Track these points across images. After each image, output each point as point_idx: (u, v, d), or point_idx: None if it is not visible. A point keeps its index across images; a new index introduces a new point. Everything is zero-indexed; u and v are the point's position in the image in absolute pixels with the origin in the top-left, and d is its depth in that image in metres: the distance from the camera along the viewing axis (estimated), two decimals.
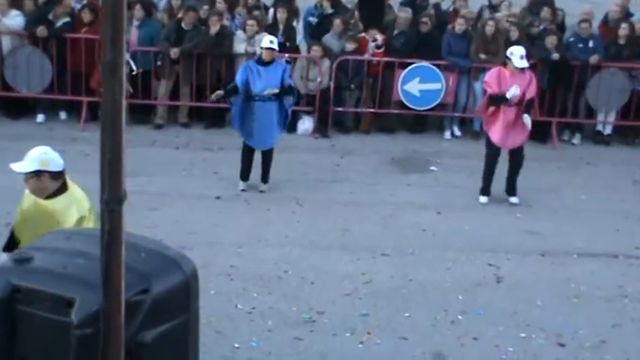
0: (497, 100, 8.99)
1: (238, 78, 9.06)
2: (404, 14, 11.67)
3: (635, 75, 11.65)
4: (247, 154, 9.30)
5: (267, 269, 7.49)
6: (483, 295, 7.29)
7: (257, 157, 9.36)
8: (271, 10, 11.94)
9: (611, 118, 11.87)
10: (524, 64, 8.99)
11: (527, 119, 9.07)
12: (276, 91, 8.97)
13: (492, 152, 9.25)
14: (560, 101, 11.68)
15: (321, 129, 11.35)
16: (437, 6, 12.65)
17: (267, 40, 9.16)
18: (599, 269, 7.92)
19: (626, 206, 9.52)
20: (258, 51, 9.64)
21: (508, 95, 8.88)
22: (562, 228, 8.84)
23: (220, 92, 9.43)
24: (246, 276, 7.34)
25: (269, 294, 7.07)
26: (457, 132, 11.74)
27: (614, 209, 9.42)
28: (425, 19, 11.59)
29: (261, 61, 9.08)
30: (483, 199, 9.38)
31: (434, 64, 11.34)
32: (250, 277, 7.34)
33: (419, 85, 11.32)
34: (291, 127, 11.24)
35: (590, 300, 7.31)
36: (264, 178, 9.34)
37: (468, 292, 7.33)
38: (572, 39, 11.76)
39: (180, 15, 11.29)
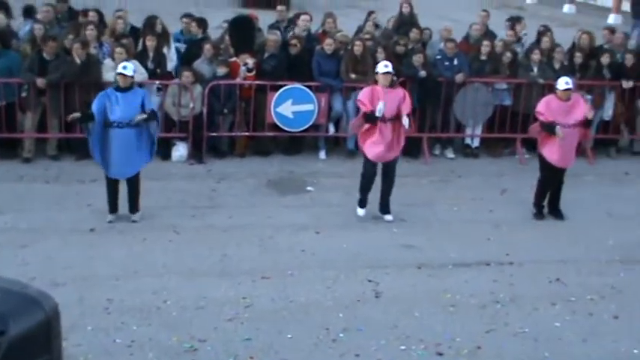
0: (371, 118, 9.17)
1: (94, 106, 8.82)
2: (273, 37, 11.77)
3: (496, 89, 12.16)
4: (111, 184, 9.09)
5: (145, 300, 7.34)
6: (364, 311, 7.39)
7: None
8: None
9: (478, 131, 12.34)
10: (388, 72, 9.15)
11: (405, 121, 9.23)
12: (144, 116, 8.83)
13: (369, 166, 9.40)
14: (430, 117, 12.04)
15: (196, 155, 11.26)
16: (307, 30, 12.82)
17: (121, 66, 9.01)
18: (473, 278, 8.18)
19: (496, 215, 9.90)
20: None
21: (377, 113, 9.08)
22: (437, 240, 9.08)
23: (77, 114, 9.20)
24: (123, 309, 7.16)
25: (148, 325, 6.92)
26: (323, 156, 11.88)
27: (485, 219, 9.78)
28: (294, 41, 11.72)
29: (119, 88, 8.91)
30: (360, 211, 9.52)
31: (305, 86, 11.47)
32: (128, 309, 7.16)
33: (292, 106, 11.42)
34: (165, 154, 11.14)
35: (466, 308, 7.54)
36: (132, 207, 9.16)
37: (349, 309, 7.41)
38: (438, 57, 12.15)
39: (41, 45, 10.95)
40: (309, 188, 10.53)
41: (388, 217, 9.55)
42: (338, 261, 8.39)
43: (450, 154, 12.20)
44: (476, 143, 12.41)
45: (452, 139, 12.41)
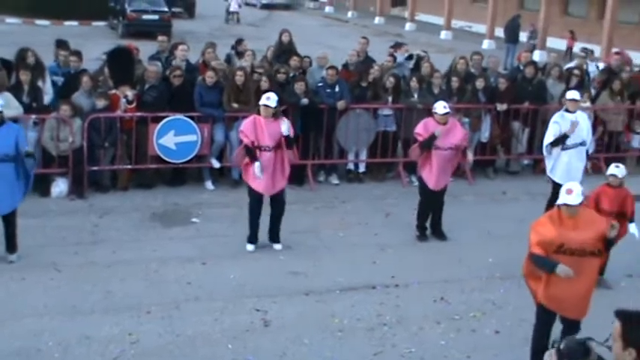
0: (250, 152, 9.22)
1: None
2: (153, 68, 11.70)
3: (378, 115, 12.47)
4: None
5: (25, 343, 7.10)
6: (252, 341, 7.40)
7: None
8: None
9: (362, 156, 12.60)
10: (267, 105, 9.18)
11: (289, 154, 9.33)
12: (30, 150, 8.64)
13: (255, 199, 9.46)
14: (314, 144, 12.22)
15: (77, 190, 11.02)
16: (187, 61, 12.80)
17: None
18: (360, 301, 8.33)
19: (381, 239, 10.12)
20: None
21: (257, 171, 9.11)
22: (323, 266, 9.21)
23: None
24: (2, 354, 6.91)
25: None
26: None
27: (370, 242, 9.98)
28: (177, 73, 11.68)
29: None
30: (250, 247, 9.54)
31: (187, 116, 11.44)
32: (7, 354, 6.91)
33: (174, 138, 11.35)
34: (44, 190, 10.86)
35: (353, 332, 7.67)
36: (9, 247, 8.85)
37: (237, 339, 7.41)
38: (320, 84, 12.37)
39: None
40: (194, 219, 10.48)
41: (277, 246, 9.61)
42: (225, 291, 8.38)
43: (334, 180, 12.41)
44: (360, 168, 12.66)
45: (336, 165, 12.62)
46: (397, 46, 14.51)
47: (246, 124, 9.39)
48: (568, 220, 6.52)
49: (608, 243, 6.64)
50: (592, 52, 16.65)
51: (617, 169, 8.78)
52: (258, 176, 9.18)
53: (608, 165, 9.63)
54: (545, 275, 6.63)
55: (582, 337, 3.99)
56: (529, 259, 6.70)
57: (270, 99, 9.28)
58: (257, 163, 9.16)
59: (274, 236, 9.65)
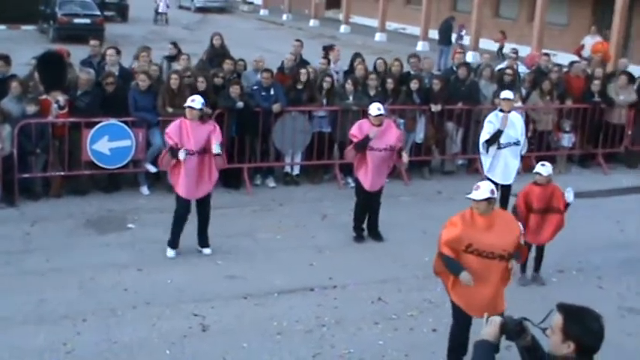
0: (174, 153, 9.09)
1: None
2: (85, 76, 11.48)
3: (315, 117, 12.53)
4: None
5: None
6: (191, 346, 7.36)
7: None
8: None
9: (298, 159, 12.63)
10: (191, 107, 9.07)
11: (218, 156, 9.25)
12: None
13: (181, 205, 9.35)
14: (249, 147, 12.20)
15: (7, 198, 10.78)
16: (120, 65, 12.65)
17: None
18: (298, 304, 8.36)
19: (318, 241, 10.17)
20: None
21: (181, 156, 9.00)
22: (261, 269, 9.20)
23: None
24: None
25: None
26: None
27: (307, 245, 10.02)
28: (109, 80, 11.52)
29: None
30: (170, 252, 9.39)
31: (121, 121, 11.31)
32: None
33: (108, 143, 11.21)
34: None
35: (292, 334, 7.69)
36: None
37: (176, 345, 7.36)
38: (255, 87, 12.36)
39: None
40: (130, 225, 10.36)
41: (207, 251, 9.55)
42: (162, 297, 8.31)
43: (271, 183, 12.41)
44: (296, 171, 12.70)
45: (272, 168, 12.63)
46: (329, 48, 14.59)
47: (171, 127, 9.25)
48: (481, 220, 6.58)
49: (515, 256, 6.69)
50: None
51: (542, 168, 8.98)
52: (182, 159, 8.97)
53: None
54: (454, 278, 6.71)
55: (519, 317, 4.08)
56: (439, 257, 6.78)
57: (194, 101, 9.16)
58: (182, 150, 8.97)
59: (203, 241, 9.55)
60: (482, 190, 6.60)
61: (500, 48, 26.12)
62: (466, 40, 26.71)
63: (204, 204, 9.47)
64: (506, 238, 6.63)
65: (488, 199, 6.59)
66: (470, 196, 6.61)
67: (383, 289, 8.80)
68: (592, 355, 3.84)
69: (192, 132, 9.10)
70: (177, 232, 9.43)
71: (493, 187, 6.75)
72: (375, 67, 13.66)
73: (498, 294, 6.82)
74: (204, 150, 9.19)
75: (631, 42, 24.98)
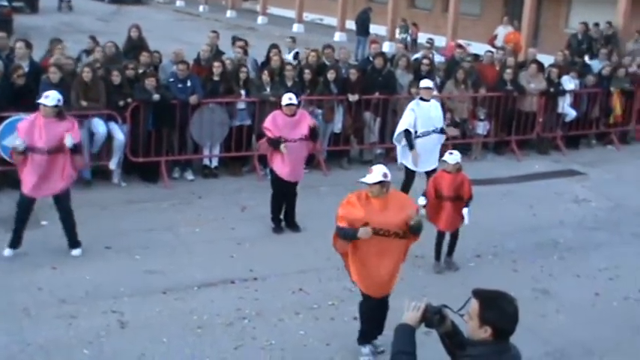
0: (18, 150, 8.68)
1: None
2: None
3: (232, 109, 12.41)
4: None
5: None
6: (109, 344, 7.21)
7: None
8: None
9: (216, 151, 12.50)
10: (44, 104, 8.61)
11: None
12: None
13: (22, 202, 8.91)
14: (167, 140, 12.01)
15: None
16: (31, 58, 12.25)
17: None
18: (218, 297, 8.28)
19: (238, 233, 10.09)
20: None
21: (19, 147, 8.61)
22: (180, 263, 9.08)
23: None
24: None
25: None
26: None
27: (227, 237, 9.93)
28: (19, 72, 11.14)
29: None
30: (8, 251, 8.95)
31: None
32: None
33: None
34: None
35: (213, 327, 7.61)
36: None
37: (93, 344, 7.19)
38: (171, 80, 12.16)
39: None
40: (43, 222, 10.04)
41: (75, 252, 9.09)
42: (78, 295, 8.11)
43: (189, 175, 12.25)
44: (215, 163, 12.57)
45: (190, 160, 12.47)
46: (237, 38, 14.46)
47: (24, 122, 8.84)
48: (376, 201, 6.73)
49: (410, 228, 6.81)
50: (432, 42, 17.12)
51: (449, 156, 9.11)
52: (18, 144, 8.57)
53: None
54: (352, 255, 6.87)
55: (438, 305, 4.12)
56: (336, 234, 6.90)
57: (48, 97, 8.67)
58: (19, 143, 8.57)
59: (70, 241, 9.13)
60: (375, 174, 6.72)
61: (414, 39, 26.39)
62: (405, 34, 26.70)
63: (60, 203, 9.02)
64: (401, 215, 6.78)
65: (381, 183, 6.70)
66: (363, 179, 6.70)
67: (303, 279, 8.80)
68: (508, 337, 3.91)
69: (44, 130, 8.61)
70: (17, 229, 8.93)
71: (386, 170, 6.83)
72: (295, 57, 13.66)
73: (394, 273, 7.00)
74: (58, 149, 8.68)
75: (540, 32, 25.62)
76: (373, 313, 7.16)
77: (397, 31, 26.61)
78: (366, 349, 7.25)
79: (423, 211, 8.96)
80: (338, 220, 6.82)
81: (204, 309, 7.96)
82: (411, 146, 10.59)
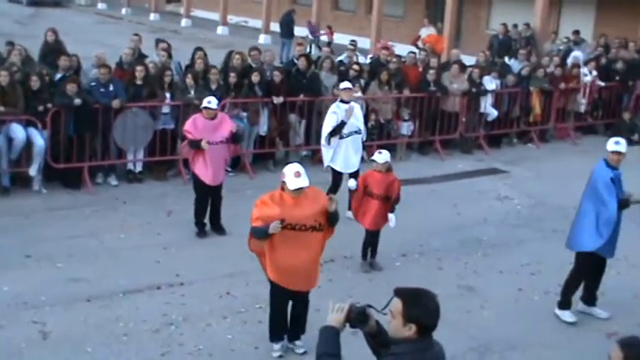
0: None
1: None
2: None
3: (155, 113, 12.26)
4: None
5: None
6: (31, 356, 7.05)
7: None
8: None
9: (140, 155, 12.33)
10: None
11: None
12: None
13: None
14: (90, 145, 11.77)
15: None
16: None
17: None
18: (144, 303, 8.17)
19: (164, 238, 9.98)
20: None
21: None
22: (105, 270, 8.92)
23: None
24: None
25: None
26: None
27: (153, 243, 9.81)
28: None
29: None
30: None
31: None
32: None
33: None
34: None
35: (139, 334, 7.51)
36: None
37: (14, 356, 7.02)
38: (93, 84, 11.94)
39: None
40: None
41: None
42: None
43: (113, 181, 12.05)
44: (139, 168, 12.39)
45: (114, 165, 12.26)
46: (160, 41, 14.30)
47: None
48: (290, 199, 6.81)
49: (330, 217, 6.94)
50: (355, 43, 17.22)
51: (378, 156, 9.21)
52: None
53: None
54: (270, 253, 6.91)
55: (362, 305, 4.14)
56: (250, 234, 6.96)
57: None
58: None
59: None
60: (302, 180, 6.76)
61: (329, 42, 26.36)
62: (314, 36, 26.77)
63: None
64: (315, 208, 6.88)
65: (300, 189, 6.79)
66: (297, 185, 6.73)
67: (231, 283, 8.76)
68: (431, 334, 3.96)
69: None
70: None
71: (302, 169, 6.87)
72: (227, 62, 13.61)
73: (315, 267, 7.12)
74: None
75: (462, 34, 26.08)
76: (287, 309, 7.23)
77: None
78: (277, 346, 7.32)
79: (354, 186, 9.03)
80: (253, 221, 6.87)
81: (129, 316, 7.85)
82: (337, 132, 10.59)
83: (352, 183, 9.33)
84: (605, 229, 7.96)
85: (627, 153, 8.02)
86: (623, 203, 7.96)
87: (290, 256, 6.87)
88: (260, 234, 6.83)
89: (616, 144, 8.04)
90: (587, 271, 8.28)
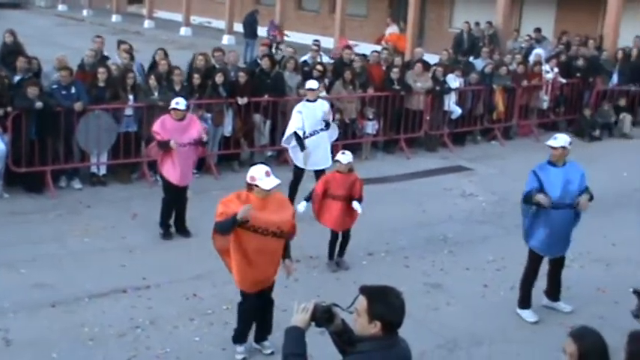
0: None
1: None
2: None
3: (118, 116, 12.17)
4: None
5: None
6: None
7: None
8: None
9: (104, 158, 12.24)
10: None
11: None
12: None
13: None
14: (52, 148, 11.65)
15: None
16: None
17: None
18: (110, 307, 8.11)
19: (129, 241, 9.92)
20: None
21: None
22: (70, 274, 8.84)
23: None
24: None
25: None
26: None
27: (118, 246, 9.74)
28: None
29: None
30: None
31: None
32: None
33: None
34: None
35: (105, 339, 7.45)
36: None
37: None
38: (54, 86, 11.81)
39: None
40: None
41: None
42: None
43: (76, 184, 11.93)
44: (103, 171, 12.30)
45: (77, 169, 12.15)
46: (122, 43, 14.22)
47: None
48: (256, 200, 6.77)
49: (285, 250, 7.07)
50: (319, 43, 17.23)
51: (342, 156, 9.23)
52: None
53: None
54: (233, 253, 6.88)
55: (327, 304, 4.15)
56: (214, 230, 6.91)
57: None
58: None
59: None
60: (274, 178, 6.76)
61: (278, 43, 26.16)
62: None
63: None
64: (280, 215, 6.89)
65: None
66: (261, 185, 6.69)
67: (197, 284, 8.73)
68: (397, 331, 3.99)
69: None
70: None
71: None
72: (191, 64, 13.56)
73: (274, 269, 7.12)
74: None
75: (425, 32, 26.26)
76: (256, 312, 7.23)
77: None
78: (241, 348, 7.31)
79: (302, 210, 9.08)
80: (217, 216, 6.82)
81: (95, 320, 7.78)
82: (302, 147, 10.67)
83: (301, 207, 9.30)
84: (527, 224, 8.08)
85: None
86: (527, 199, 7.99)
87: (250, 257, 6.83)
88: (226, 225, 6.73)
89: (553, 139, 8.12)
90: (535, 267, 8.32)
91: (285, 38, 25.51)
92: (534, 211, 8.04)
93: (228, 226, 6.74)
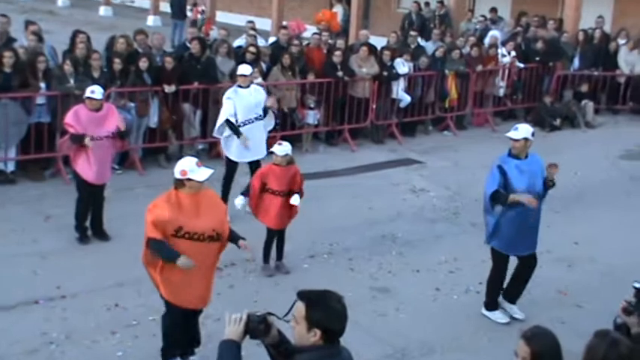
0: None
1: None
2: None
3: (29, 105, 11.94)
4: None
5: None
6: None
7: None
8: None
9: (12, 153, 12.00)
10: None
11: None
12: None
13: None
14: None
15: None
16: None
17: None
18: (19, 320, 7.96)
19: (41, 246, 9.76)
20: None
21: None
22: None
23: None
24: None
25: None
26: None
27: (29, 251, 9.57)
28: None
29: None
30: None
31: None
32: None
33: None
34: None
35: (11, 358, 7.29)
36: None
37: None
38: None
39: None
40: None
41: None
42: None
43: None
44: (11, 167, 12.06)
45: None
46: (29, 23, 13.94)
47: None
48: (187, 200, 6.72)
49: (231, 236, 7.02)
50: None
51: (278, 147, 9.22)
52: None
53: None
54: (161, 266, 6.81)
55: (262, 313, 4.12)
56: (147, 245, 6.81)
57: None
58: None
59: None
60: (207, 169, 6.74)
61: (195, 20, 25.65)
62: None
63: None
64: (214, 216, 6.87)
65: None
66: (194, 177, 6.63)
67: (120, 293, 8.63)
68: (338, 339, 3.97)
69: None
70: None
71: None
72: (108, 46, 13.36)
73: (210, 280, 7.08)
74: None
75: (371, 13, 26.35)
76: (185, 326, 7.19)
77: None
78: None
79: (240, 206, 9.05)
80: (148, 229, 6.68)
81: (1, 336, 7.61)
82: (237, 134, 10.59)
83: (239, 201, 9.28)
84: (492, 223, 8.19)
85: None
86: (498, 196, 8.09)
87: (183, 271, 6.70)
88: (164, 255, 6.66)
89: (514, 130, 8.21)
90: (503, 268, 8.43)
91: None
92: (504, 209, 8.11)
93: (165, 255, 6.66)
